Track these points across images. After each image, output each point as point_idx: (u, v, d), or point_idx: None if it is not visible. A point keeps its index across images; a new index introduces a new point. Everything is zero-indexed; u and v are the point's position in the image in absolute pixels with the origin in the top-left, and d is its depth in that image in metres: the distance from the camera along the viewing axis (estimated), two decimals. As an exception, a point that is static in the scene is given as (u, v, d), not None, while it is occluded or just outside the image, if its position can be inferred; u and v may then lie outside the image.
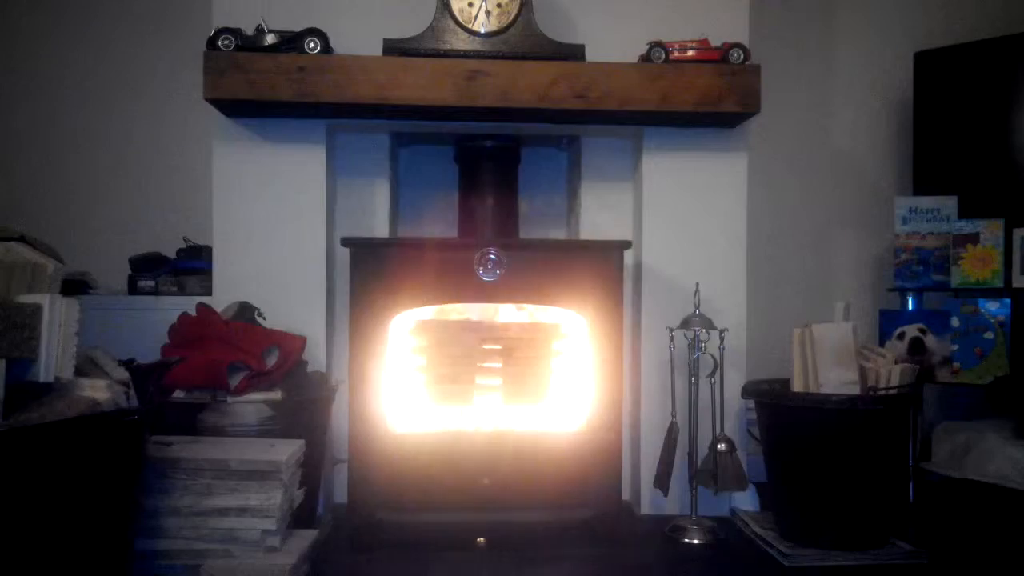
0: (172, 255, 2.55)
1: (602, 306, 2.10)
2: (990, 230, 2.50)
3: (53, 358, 1.39)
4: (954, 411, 2.60)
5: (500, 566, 1.95)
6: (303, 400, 2.06)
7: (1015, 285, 2.46)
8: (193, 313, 2.13)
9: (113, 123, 2.91)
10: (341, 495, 2.31)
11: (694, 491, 2.20)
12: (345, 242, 2.11)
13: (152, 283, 2.46)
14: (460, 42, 2.21)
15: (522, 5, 2.21)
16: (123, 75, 2.91)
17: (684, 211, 2.40)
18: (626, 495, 2.39)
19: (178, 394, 1.97)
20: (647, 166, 2.40)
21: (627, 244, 2.16)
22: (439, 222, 2.59)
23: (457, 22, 2.21)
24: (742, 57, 2.24)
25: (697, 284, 2.21)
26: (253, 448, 1.81)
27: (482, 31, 2.21)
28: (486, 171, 2.41)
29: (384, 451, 2.05)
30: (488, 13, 2.21)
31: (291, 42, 2.17)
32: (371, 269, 2.06)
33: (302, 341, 2.12)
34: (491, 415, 2.18)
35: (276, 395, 1.99)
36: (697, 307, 2.19)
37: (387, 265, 2.07)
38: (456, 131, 2.42)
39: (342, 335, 2.34)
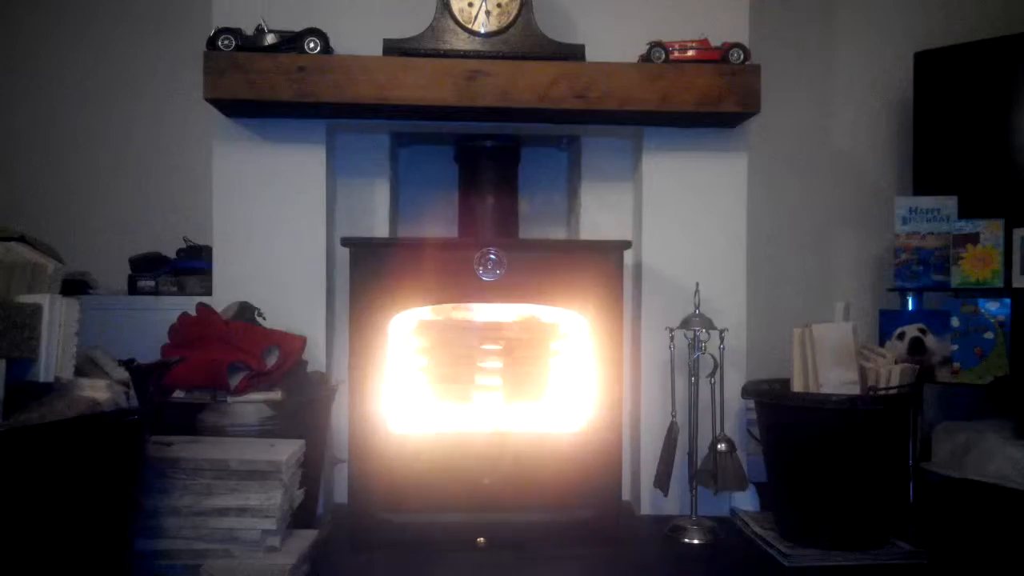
0: (172, 255, 2.55)
1: (602, 306, 2.10)
2: (990, 230, 2.50)
3: (53, 358, 1.39)
4: (954, 411, 2.60)
5: (500, 566, 1.95)
6: (303, 400, 2.06)
7: (1015, 285, 2.46)
8: (193, 313, 2.13)
9: (113, 123, 2.91)
10: (341, 495, 2.31)
11: (694, 491, 2.20)
12: (345, 242, 2.11)
13: (152, 283, 2.46)
14: (460, 42, 2.21)
15: (522, 5, 2.21)
16: (123, 75, 2.91)
17: (684, 211, 2.40)
18: (626, 495, 2.39)
19: (178, 394, 1.97)
20: (647, 166, 2.40)
21: (627, 244, 2.16)
22: (439, 222, 2.58)
23: (457, 22, 2.21)
24: (742, 57, 2.24)
25: (697, 284, 2.21)
26: (253, 448, 1.81)
27: (482, 31, 2.21)
28: (486, 171, 2.41)
29: (384, 451, 2.06)
30: (488, 13, 2.21)
31: (291, 42, 2.17)
32: (371, 269, 2.06)
33: (302, 341, 2.12)
34: (491, 415, 2.18)
35: (276, 395, 1.99)
36: (697, 307, 2.19)
37: (387, 265, 2.07)
38: (456, 131, 2.42)
39: (342, 335, 2.34)
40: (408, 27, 2.24)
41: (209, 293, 2.32)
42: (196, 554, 1.70)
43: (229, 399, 1.96)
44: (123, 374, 1.52)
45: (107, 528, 1.48)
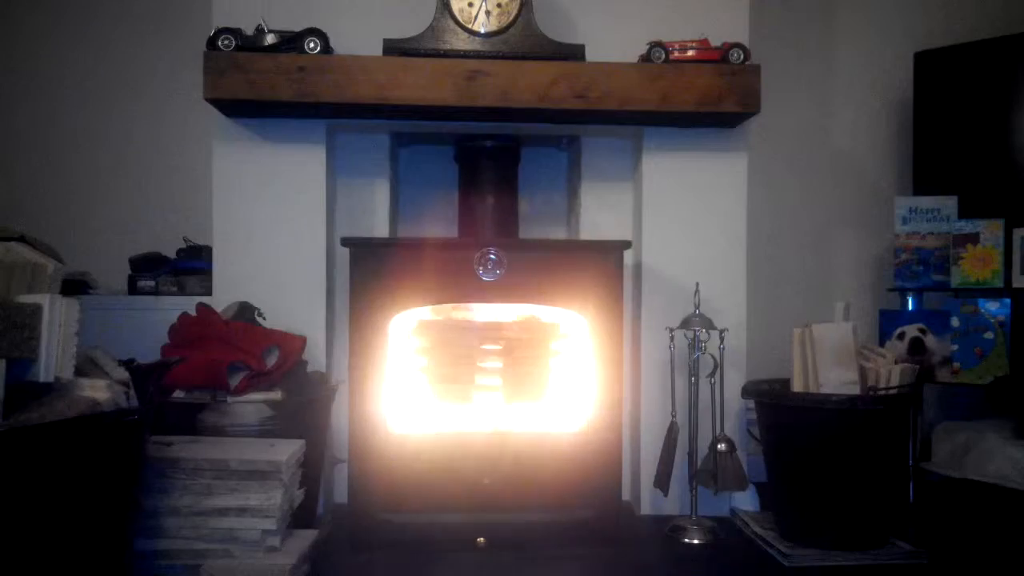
0: (172, 255, 2.55)
1: (602, 306, 2.10)
2: (990, 230, 2.50)
3: (53, 358, 1.39)
4: (954, 411, 2.60)
5: (500, 566, 1.95)
6: (303, 400, 2.06)
7: (1015, 285, 2.46)
8: (193, 313, 2.13)
9: (113, 123, 2.91)
10: (341, 495, 2.31)
11: (694, 491, 2.20)
12: (345, 242, 2.11)
13: (152, 283, 2.46)
14: (460, 42, 2.21)
15: (522, 5, 2.21)
16: (123, 75, 2.91)
17: (684, 211, 2.40)
18: (626, 495, 2.39)
19: (178, 394, 1.97)
20: (647, 166, 2.40)
21: (627, 244, 2.16)
22: (439, 222, 2.58)
23: (457, 22, 2.21)
24: (742, 57, 2.24)
25: (697, 284, 2.21)
26: (253, 448, 1.81)
27: (482, 31, 2.21)
28: (486, 171, 2.41)
29: (384, 451, 2.05)
30: (488, 13, 2.21)
31: (291, 42, 2.17)
32: (371, 269, 2.06)
33: (302, 341, 2.12)
34: (491, 415, 2.18)
35: (276, 395, 1.99)
36: (697, 307, 2.19)
37: (387, 265, 2.07)
38: (456, 131, 2.42)
39: (342, 335, 2.34)
40: (408, 27, 2.24)
41: (209, 293, 2.32)
42: (196, 554, 1.70)
43: (229, 399, 1.96)
44: (123, 374, 1.52)
45: (107, 528, 1.48)
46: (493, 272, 2.07)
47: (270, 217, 2.31)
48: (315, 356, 2.26)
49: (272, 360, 2.01)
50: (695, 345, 2.19)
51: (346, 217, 2.44)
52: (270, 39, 2.17)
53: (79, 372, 1.45)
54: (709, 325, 2.18)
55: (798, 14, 3.06)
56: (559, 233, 2.67)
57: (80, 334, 1.44)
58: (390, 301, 2.06)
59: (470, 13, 2.21)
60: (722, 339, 2.21)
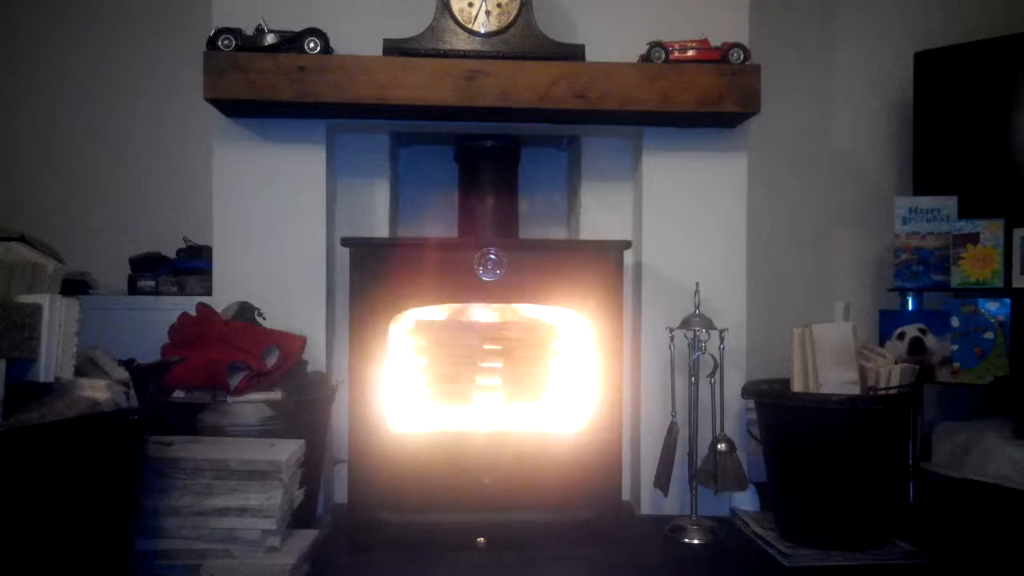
0: (172, 255, 2.55)
1: (602, 306, 2.10)
2: (990, 230, 2.50)
3: (53, 358, 1.39)
4: (954, 411, 2.60)
5: (500, 566, 1.95)
6: (303, 400, 2.06)
7: (1015, 285, 2.46)
8: (193, 313, 2.13)
9: (113, 123, 2.91)
10: (341, 495, 2.31)
11: (694, 491, 2.20)
12: (345, 242, 2.11)
13: (152, 283, 2.46)
14: (460, 42, 2.21)
15: (522, 5, 2.21)
16: (123, 75, 2.91)
17: (684, 211, 2.40)
18: (626, 495, 2.39)
19: (178, 394, 1.97)
20: (647, 166, 2.40)
21: (627, 244, 2.16)
22: (439, 222, 2.59)
23: (457, 22, 2.21)
24: (742, 57, 2.24)
25: (697, 284, 2.21)
26: (253, 448, 1.81)
27: (482, 31, 2.21)
28: (486, 171, 2.41)
29: (384, 451, 2.05)
30: (488, 13, 2.21)
31: (291, 42, 2.17)
32: (371, 269, 2.06)
33: (302, 341, 2.12)
34: (491, 415, 2.18)
35: (276, 395, 1.99)
36: (697, 307, 2.19)
37: (387, 265, 2.07)
38: (456, 131, 2.42)
39: (342, 335, 2.34)
40: (408, 27, 2.24)
41: (209, 293, 2.32)
42: (196, 554, 1.70)
43: (229, 399, 1.96)
44: (123, 374, 1.52)
45: (107, 528, 1.48)
46: (493, 272, 2.07)
47: (270, 217, 2.31)
48: (315, 356, 2.26)
49: (272, 360, 2.01)
50: (695, 345, 2.19)
51: (346, 217, 2.44)
52: (270, 39, 2.17)
53: (79, 372, 1.45)
54: (709, 325, 2.18)
55: (798, 14, 3.06)
56: (559, 233, 2.67)
57: (80, 334, 1.44)
58: (390, 301, 2.06)
59: (470, 13, 2.21)
60: (722, 339, 2.21)
